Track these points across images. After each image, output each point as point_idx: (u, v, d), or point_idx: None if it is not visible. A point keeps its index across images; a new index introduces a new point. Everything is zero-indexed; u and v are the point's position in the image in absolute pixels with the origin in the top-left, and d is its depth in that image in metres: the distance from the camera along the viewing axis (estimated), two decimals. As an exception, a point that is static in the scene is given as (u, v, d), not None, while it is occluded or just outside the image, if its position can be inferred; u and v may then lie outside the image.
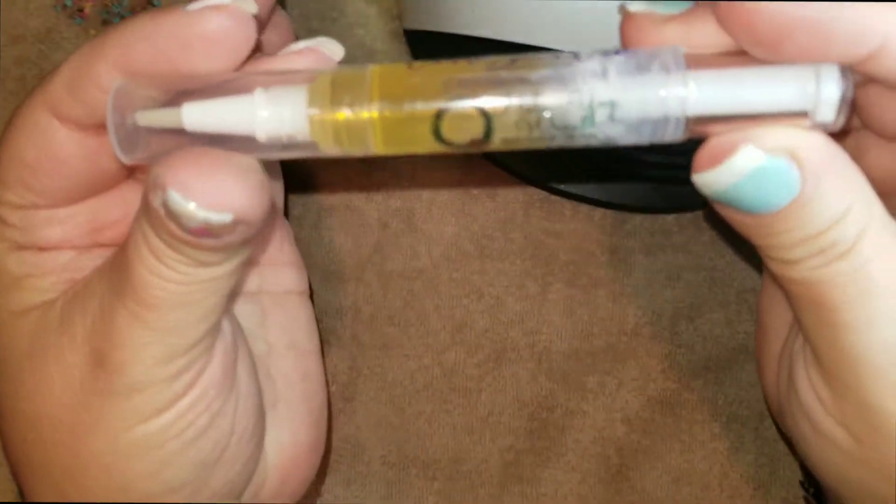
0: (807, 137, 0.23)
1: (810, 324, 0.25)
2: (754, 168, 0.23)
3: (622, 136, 0.24)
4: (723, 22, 0.23)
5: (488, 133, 0.24)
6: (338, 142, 0.24)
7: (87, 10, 0.40)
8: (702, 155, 0.24)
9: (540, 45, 0.32)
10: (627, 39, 0.25)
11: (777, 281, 0.25)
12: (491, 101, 0.23)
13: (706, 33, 0.24)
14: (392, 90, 0.24)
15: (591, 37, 0.31)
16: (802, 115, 0.23)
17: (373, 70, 0.24)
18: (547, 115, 0.23)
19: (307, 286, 0.34)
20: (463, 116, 0.23)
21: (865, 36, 0.22)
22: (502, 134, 0.24)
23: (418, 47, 0.38)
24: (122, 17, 0.40)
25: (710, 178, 0.23)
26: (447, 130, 0.24)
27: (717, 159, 0.23)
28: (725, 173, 0.23)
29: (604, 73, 0.23)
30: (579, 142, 0.24)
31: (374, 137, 0.24)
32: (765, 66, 0.23)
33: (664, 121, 0.23)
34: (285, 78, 0.24)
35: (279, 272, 0.32)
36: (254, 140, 0.24)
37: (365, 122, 0.24)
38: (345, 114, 0.24)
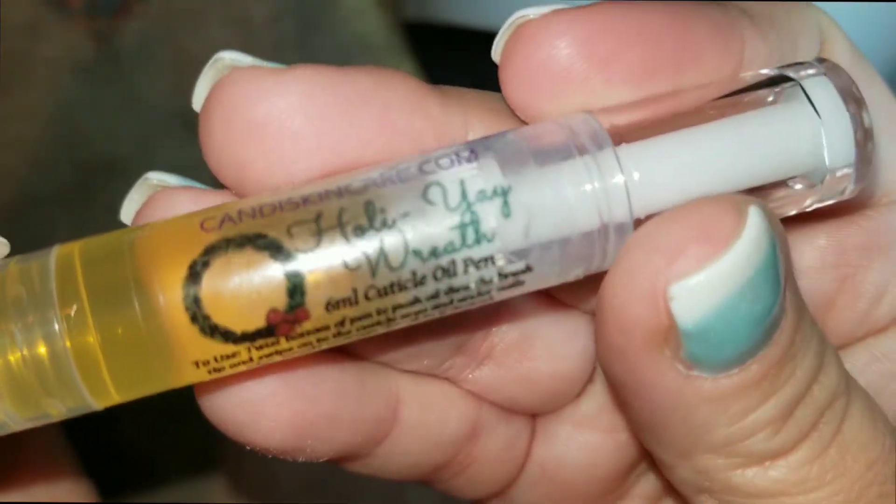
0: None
1: None
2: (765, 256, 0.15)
3: (535, 278, 0.15)
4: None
5: (296, 291, 0.14)
6: (23, 403, 0.14)
7: (74, 1, 0.40)
8: (675, 230, 0.15)
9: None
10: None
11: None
12: (288, 232, 0.14)
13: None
14: (108, 276, 0.14)
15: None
16: (783, 184, 0.16)
17: (61, 253, 0.15)
18: (394, 239, 0.14)
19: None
20: (239, 265, 0.14)
21: None
22: (323, 292, 0.14)
23: (420, 42, 0.37)
24: (110, 10, 0.40)
25: (704, 281, 0.14)
26: (210, 300, 0.14)
27: (716, 242, 0.14)
28: (733, 265, 0.15)
29: (469, 151, 0.15)
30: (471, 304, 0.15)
31: (94, 377, 0.14)
32: (722, 116, 0.16)
33: (600, 235, 0.15)
34: None
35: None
36: None
37: (70, 353, 0.14)
38: (21, 348, 0.14)
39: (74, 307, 0.14)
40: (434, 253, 0.14)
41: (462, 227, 0.14)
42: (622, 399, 0.18)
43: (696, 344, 0.15)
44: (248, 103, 0.15)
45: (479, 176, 0.15)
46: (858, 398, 0.17)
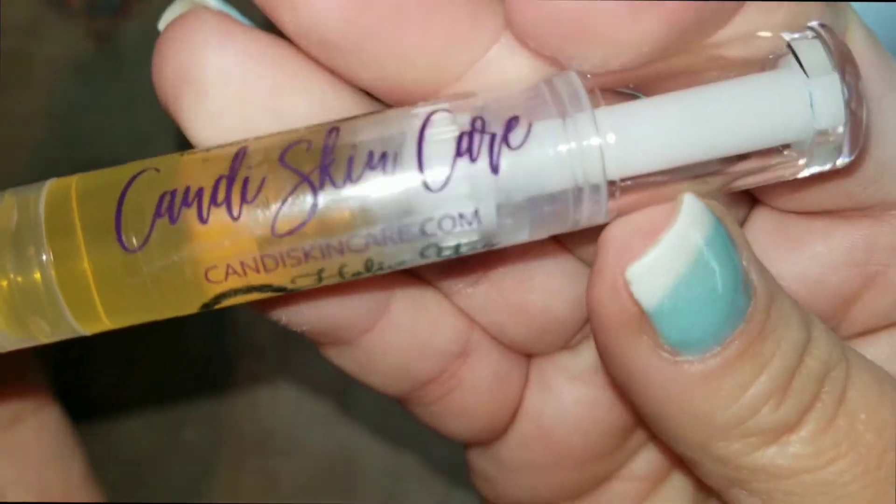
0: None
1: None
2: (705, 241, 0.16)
3: (508, 232, 0.16)
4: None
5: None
6: (17, 323, 0.15)
7: (74, 1, 0.40)
8: (627, 229, 0.16)
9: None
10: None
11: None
12: (292, 282, 0.16)
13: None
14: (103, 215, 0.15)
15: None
16: (779, 151, 0.16)
17: (55, 185, 0.15)
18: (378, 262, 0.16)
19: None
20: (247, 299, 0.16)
21: None
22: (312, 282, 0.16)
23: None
24: (110, 10, 0.40)
25: (650, 264, 0.15)
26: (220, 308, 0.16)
27: (656, 230, 0.16)
28: (671, 255, 0.15)
29: (472, 205, 0.15)
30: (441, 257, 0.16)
31: (86, 305, 0.15)
32: (712, 80, 0.15)
33: (574, 195, 0.15)
34: None
35: None
36: None
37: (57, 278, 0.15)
38: (15, 273, 0.15)
39: (65, 237, 0.15)
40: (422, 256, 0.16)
41: (444, 259, 0.16)
42: (630, 401, 0.18)
43: (668, 326, 0.16)
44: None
45: (476, 234, 0.15)
46: (859, 365, 0.17)
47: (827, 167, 0.16)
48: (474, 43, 0.16)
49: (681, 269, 0.15)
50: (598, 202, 0.15)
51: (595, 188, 0.15)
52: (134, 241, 0.15)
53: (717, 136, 0.15)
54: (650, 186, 0.16)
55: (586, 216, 0.16)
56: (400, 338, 0.20)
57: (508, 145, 0.15)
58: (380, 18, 0.15)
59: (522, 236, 0.16)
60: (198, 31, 0.16)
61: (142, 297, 0.15)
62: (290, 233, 0.15)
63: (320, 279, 0.15)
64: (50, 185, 0.15)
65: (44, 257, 0.15)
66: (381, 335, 0.19)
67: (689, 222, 0.15)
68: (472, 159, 0.15)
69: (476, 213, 0.15)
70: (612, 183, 0.15)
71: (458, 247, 0.15)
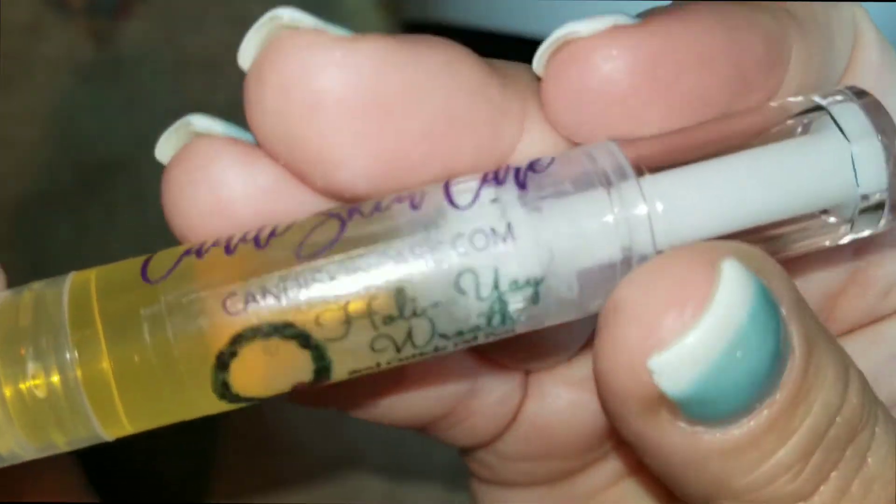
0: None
1: None
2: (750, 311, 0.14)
3: (553, 312, 0.15)
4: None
5: (323, 371, 0.14)
6: (35, 432, 0.14)
7: (74, 1, 0.40)
8: (650, 294, 0.14)
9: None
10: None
11: None
12: (317, 321, 0.14)
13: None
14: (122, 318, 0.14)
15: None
16: (819, 218, 0.15)
17: (76, 281, 0.14)
18: (422, 324, 0.14)
19: None
20: (267, 353, 0.14)
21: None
22: (348, 366, 0.14)
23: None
24: (110, 10, 0.40)
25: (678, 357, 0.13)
26: (239, 380, 0.14)
27: (688, 308, 0.13)
28: (708, 335, 0.13)
29: (503, 220, 0.14)
30: (488, 339, 0.15)
31: (108, 408, 0.14)
32: (750, 146, 0.15)
33: (622, 267, 0.14)
34: None
35: None
36: None
37: (80, 384, 0.14)
38: (33, 377, 0.14)
39: (87, 334, 0.14)
40: (460, 334, 0.14)
41: (490, 314, 0.14)
42: (636, 452, 0.17)
43: (692, 407, 0.14)
44: (310, 75, 0.14)
45: (514, 260, 0.14)
46: (884, 424, 0.16)
47: (867, 233, 0.16)
48: (500, 149, 0.15)
49: (715, 354, 0.13)
50: None
51: (645, 259, 0.14)
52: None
53: (760, 202, 0.15)
54: None
55: None
56: (416, 393, 0.19)
57: (534, 170, 0.15)
58: (409, 168, 0.15)
59: (572, 309, 0.15)
60: (214, 165, 0.15)
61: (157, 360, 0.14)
62: (315, 256, 0.14)
63: (348, 318, 0.14)
64: (71, 280, 0.14)
65: (67, 356, 0.13)
66: (398, 395, 0.19)
67: (732, 299, 0.13)
68: (499, 182, 0.14)
69: (509, 227, 0.14)
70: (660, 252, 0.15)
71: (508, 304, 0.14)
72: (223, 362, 0.14)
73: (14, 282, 0.15)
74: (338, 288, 0.14)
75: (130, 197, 0.42)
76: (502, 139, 0.15)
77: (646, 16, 0.15)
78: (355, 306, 0.14)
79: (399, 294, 0.14)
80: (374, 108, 0.14)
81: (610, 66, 0.15)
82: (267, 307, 0.14)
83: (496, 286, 0.14)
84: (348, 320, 0.14)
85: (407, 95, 0.14)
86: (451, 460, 0.39)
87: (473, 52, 0.15)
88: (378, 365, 0.14)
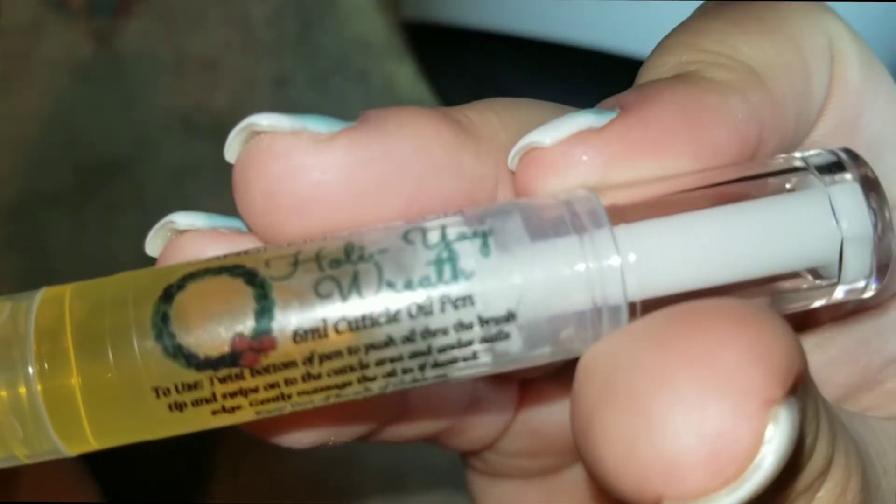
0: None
1: None
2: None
3: (520, 355, 0.15)
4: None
5: (264, 312, 0.14)
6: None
7: (74, 2, 0.40)
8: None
9: (568, 39, 0.30)
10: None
11: None
12: (267, 264, 0.14)
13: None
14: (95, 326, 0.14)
15: (621, 25, 0.29)
16: (807, 277, 0.15)
17: (48, 296, 0.15)
18: (368, 269, 0.14)
19: None
20: (212, 287, 0.14)
21: None
22: (292, 320, 0.14)
23: (419, 42, 0.37)
24: (110, 10, 0.40)
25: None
26: (179, 315, 0.14)
27: (725, 470, 0.12)
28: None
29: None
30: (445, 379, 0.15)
31: (73, 424, 0.14)
32: (731, 200, 0.15)
33: (592, 316, 0.14)
34: None
35: None
36: None
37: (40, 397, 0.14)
38: None
39: (57, 349, 0.14)
40: (408, 285, 0.14)
41: (439, 262, 0.14)
42: None
43: None
44: (292, 179, 0.16)
45: (464, 223, 0.14)
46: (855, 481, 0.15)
47: (860, 284, 0.15)
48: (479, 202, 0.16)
49: (741, 496, 0.12)
50: (617, 323, 0.14)
51: (614, 310, 0.14)
52: None
53: (740, 258, 0.14)
54: (669, 304, 0.14)
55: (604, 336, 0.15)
56: (418, 420, 0.19)
57: (506, 213, 0.15)
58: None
59: (542, 354, 0.15)
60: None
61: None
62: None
63: (296, 262, 0.14)
64: (42, 294, 0.14)
65: (30, 369, 0.14)
66: (402, 422, 0.19)
67: (777, 465, 0.12)
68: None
69: (462, 212, 0.15)
70: (631, 304, 0.14)
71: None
72: (169, 294, 0.14)
73: (14, 282, 0.15)
74: (291, 246, 0.15)
75: (130, 197, 0.43)
76: (477, 202, 0.16)
77: (608, 107, 0.16)
78: (304, 255, 0.14)
79: (347, 245, 0.14)
80: (352, 201, 0.16)
81: (571, 172, 0.15)
82: (224, 260, 0.14)
83: (444, 237, 0.14)
84: (295, 263, 0.14)
85: (381, 186, 0.15)
86: (451, 461, 0.39)
87: (445, 120, 0.16)
88: (325, 323, 0.14)
